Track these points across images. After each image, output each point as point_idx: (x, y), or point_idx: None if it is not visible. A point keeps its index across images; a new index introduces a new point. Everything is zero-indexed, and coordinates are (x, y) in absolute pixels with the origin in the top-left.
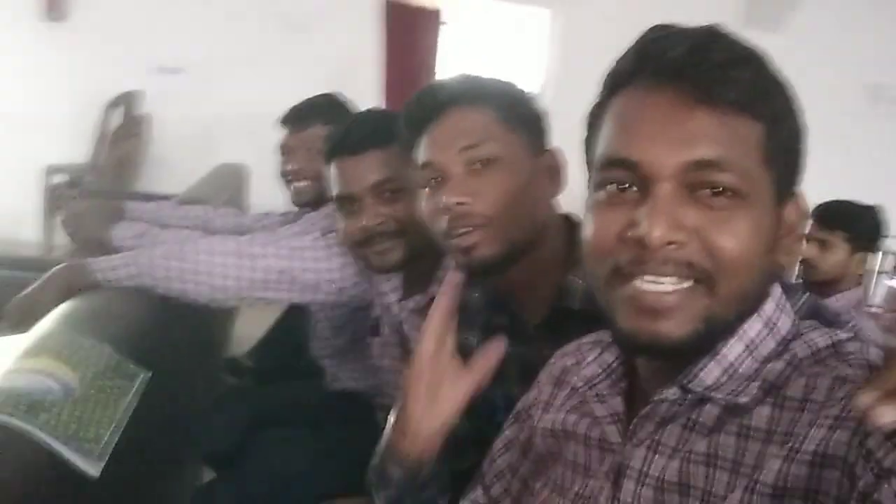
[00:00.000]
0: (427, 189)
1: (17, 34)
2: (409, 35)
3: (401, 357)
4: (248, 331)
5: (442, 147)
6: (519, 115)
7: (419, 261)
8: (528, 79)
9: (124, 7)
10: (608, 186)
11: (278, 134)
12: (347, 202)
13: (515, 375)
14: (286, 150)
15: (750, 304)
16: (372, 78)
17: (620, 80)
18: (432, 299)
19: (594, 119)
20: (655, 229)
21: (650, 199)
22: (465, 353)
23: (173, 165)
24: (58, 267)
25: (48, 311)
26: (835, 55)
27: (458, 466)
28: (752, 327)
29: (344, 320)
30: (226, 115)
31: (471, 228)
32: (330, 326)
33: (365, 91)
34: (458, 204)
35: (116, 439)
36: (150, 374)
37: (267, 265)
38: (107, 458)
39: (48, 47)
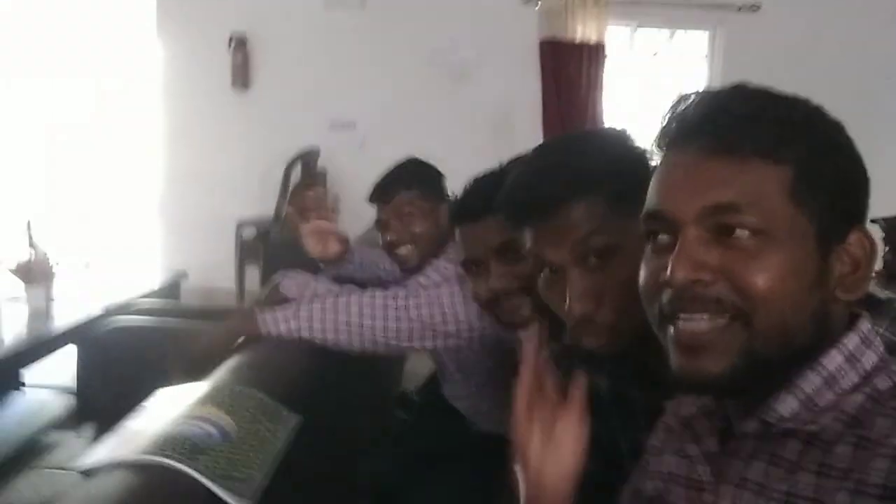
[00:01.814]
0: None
1: (209, 103)
2: (567, 71)
3: None
4: (419, 367)
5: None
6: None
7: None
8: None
9: (298, 72)
10: (651, 238)
11: (453, 178)
12: (473, 265)
13: (645, 424)
14: (381, 224)
15: (800, 340)
16: (534, 117)
17: (659, 146)
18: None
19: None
20: (678, 271)
21: (678, 244)
22: (595, 394)
23: (350, 216)
24: (231, 317)
25: (221, 357)
26: None
27: None
28: (832, 361)
29: (471, 362)
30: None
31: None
32: (458, 370)
33: (526, 132)
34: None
35: (268, 478)
36: (301, 418)
37: (409, 316)
38: (258, 497)
39: (235, 114)
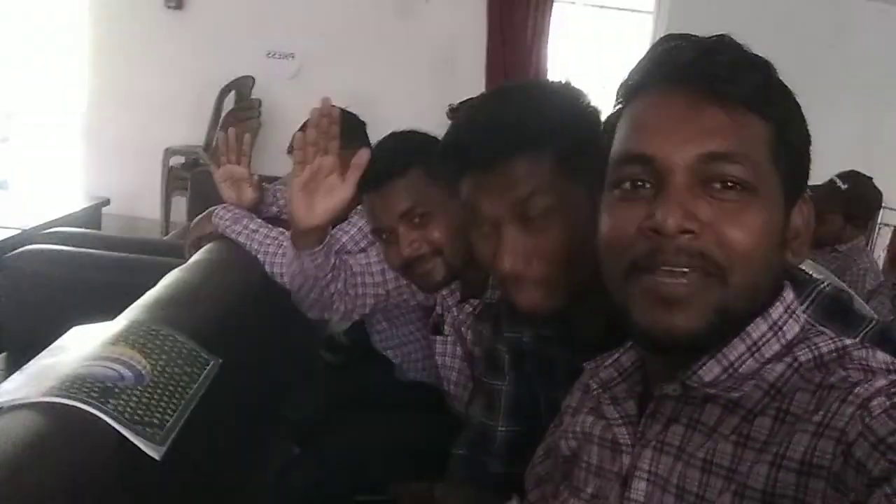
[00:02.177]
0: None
1: (139, 22)
2: (513, 16)
3: (461, 357)
4: None
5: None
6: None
7: (471, 268)
8: (635, 54)
9: None
10: (624, 184)
11: (389, 115)
12: (382, 233)
13: (565, 382)
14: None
15: (761, 300)
16: (477, 60)
17: (634, 86)
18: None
19: (610, 127)
20: (670, 217)
21: (665, 190)
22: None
23: (282, 148)
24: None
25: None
26: None
27: (513, 469)
28: (757, 329)
29: (397, 313)
30: (334, 97)
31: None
32: (384, 318)
33: (469, 74)
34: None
35: (181, 424)
36: (220, 361)
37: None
38: (169, 442)
39: (168, 35)
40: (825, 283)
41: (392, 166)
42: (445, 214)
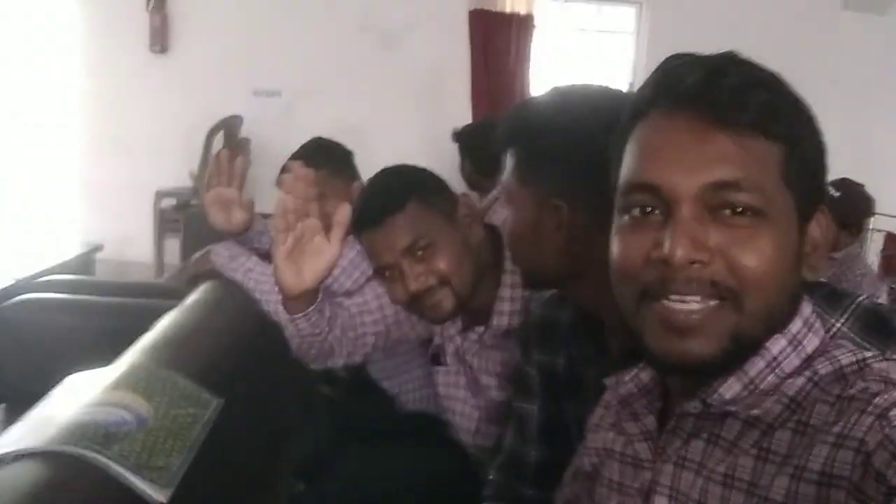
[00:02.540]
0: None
1: (126, 67)
2: (496, 42)
3: (465, 386)
4: None
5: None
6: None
7: (475, 296)
8: (618, 75)
9: (220, 36)
10: (633, 210)
11: (378, 147)
12: (386, 270)
13: (595, 404)
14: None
15: (777, 321)
16: (463, 88)
17: (641, 108)
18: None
19: (616, 147)
20: (678, 249)
21: (673, 220)
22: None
23: (274, 186)
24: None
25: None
26: None
27: (546, 494)
28: (776, 345)
29: (390, 343)
30: (322, 132)
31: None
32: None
33: (455, 102)
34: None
35: (187, 466)
36: (222, 401)
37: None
38: (174, 485)
39: (154, 78)
40: (863, 296)
41: (389, 202)
42: (447, 242)
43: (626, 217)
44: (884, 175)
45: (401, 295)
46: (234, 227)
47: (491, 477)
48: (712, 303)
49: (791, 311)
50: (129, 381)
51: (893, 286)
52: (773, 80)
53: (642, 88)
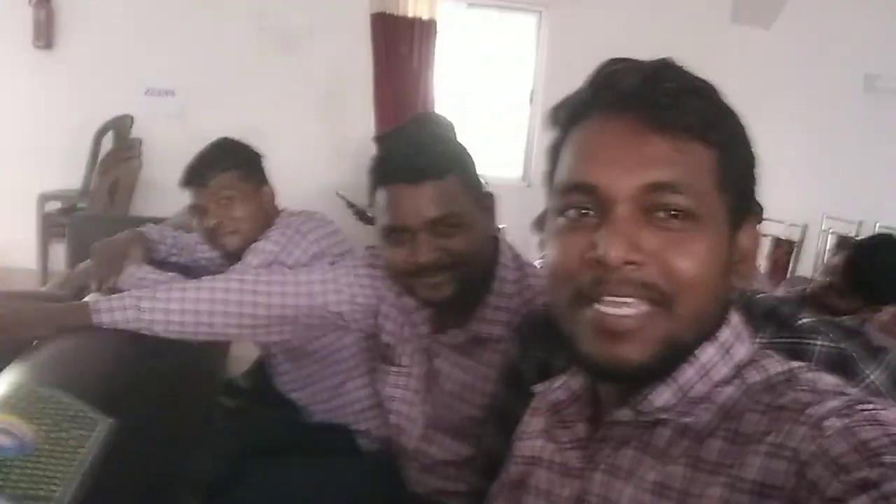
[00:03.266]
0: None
1: (6, 62)
2: (398, 47)
3: (421, 388)
4: (245, 352)
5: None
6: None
7: (462, 296)
8: (519, 82)
9: (109, 33)
10: (568, 212)
11: (278, 150)
12: (398, 232)
13: None
14: (198, 209)
15: (708, 327)
16: (365, 93)
17: (578, 111)
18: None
19: (553, 153)
20: (612, 249)
21: (608, 221)
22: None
23: (166, 188)
24: (57, 305)
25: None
26: (825, 47)
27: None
28: (705, 352)
29: (301, 353)
30: (218, 134)
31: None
32: (287, 359)
33: (357, 106)
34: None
35: (73, 492)
36: (113, 421)
37: (270, 304)
38: None
39: (37, 75)
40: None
41: (432, 165)
42: (471, 228)
43: (562, 219)
44: (770, 183)
45: (402, 261)
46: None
47: (471, 482)
48: (644, 308)
49: (720, 319)
50: (8, 403)
51: (789, 291)
52: (708, 87)
53: (579, 91)
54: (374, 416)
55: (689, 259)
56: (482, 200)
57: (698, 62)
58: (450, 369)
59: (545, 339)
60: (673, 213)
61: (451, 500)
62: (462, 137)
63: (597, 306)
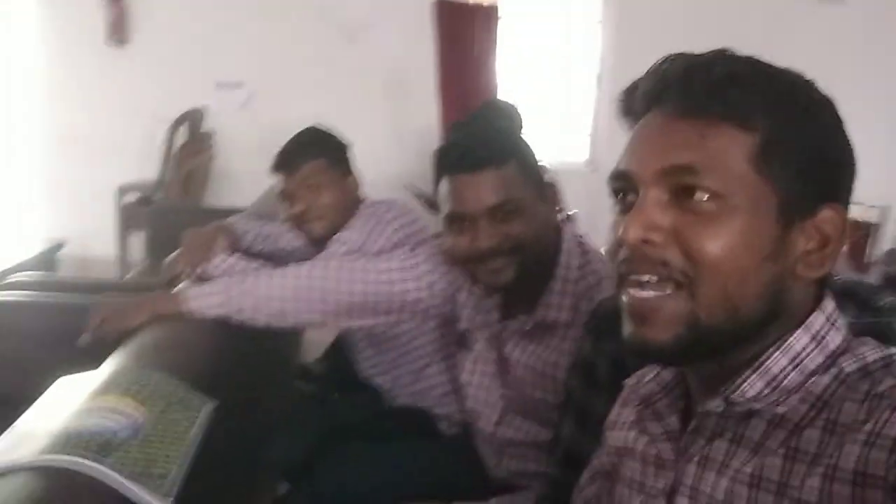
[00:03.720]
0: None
1: (82, 60)
2: (460, 34)
3: (495, 374)
4: (319, 337)
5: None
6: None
7: (524, 282)
8: (585, 65)
9: (180, 28)
10: (616, 197)
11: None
12: (459, 220)
13: None
14: (287, 195)
15: (748, 313)
16: (427, 81)
17: (633, 112)
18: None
19: None
20: (630, 228)
21: (636, 203)
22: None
23: (237, 179)
24: (151, 295)
25: (130, 330)
26: None
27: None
28: (799, 341)
29: (383, 338)
30: (287, 126)
31: None
32: (370, 345)
33: (420, 95)
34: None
35: (185, 471)
36: (215, 404)
37: (352, 291)
38: (175, 492)
39: (112, 72)
40: None
41: (492, 153)
42: (531, 215)
43: (616, 205)
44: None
45: (464, 248)
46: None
47: (549, 471)
48: (667, 291)
49: (775, 306)
50: (120, 385)
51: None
52: (765, 72)
53: (633, 87)
54: (453, 400)
55: (711, 240)
56: (543, 189)
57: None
58: (519, 355)
59: (616, 332)
60: (702, 196)
61: (530, 481)
62: (527, 122)
63: (628, 289)
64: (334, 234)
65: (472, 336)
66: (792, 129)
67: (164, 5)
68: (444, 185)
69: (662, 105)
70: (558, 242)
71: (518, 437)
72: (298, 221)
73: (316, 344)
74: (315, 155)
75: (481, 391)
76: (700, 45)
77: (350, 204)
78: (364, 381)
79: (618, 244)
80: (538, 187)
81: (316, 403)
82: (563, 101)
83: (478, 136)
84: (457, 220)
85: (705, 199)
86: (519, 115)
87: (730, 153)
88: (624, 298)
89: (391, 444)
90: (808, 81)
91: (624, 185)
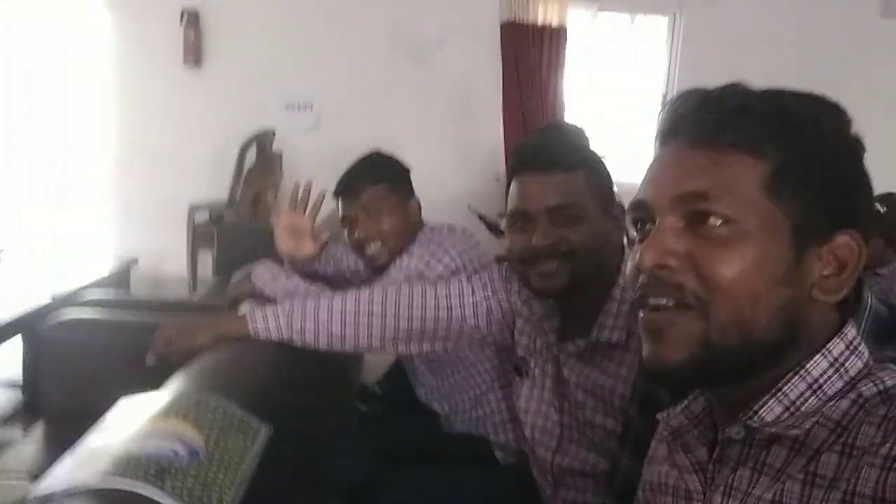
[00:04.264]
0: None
1: (160, 81)
2: (527, 54)
3: (552, 399)
4: (379, 358)
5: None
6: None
7: (579, 299)
8: (651, 86)
9: (252, 51)
10: (636, 226)
11: (409, 159)
12: (520, 219)
13: None
14: (348, 220)
15: (762, 335)
16: (494, 101)
17: (656, 144)
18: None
19: None
20: (647, 254)
21: (652, 231)
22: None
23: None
24: (216, 316)
25: (195, 351)
26: None
27: None
28: (817, 366)
29: (443, 364)
30: (353, 147)
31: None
32: (430, 370)
33: (486, 115)
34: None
35: (240, 496)
36: (272, 429)
37: (410, 317)
38: None
39: (187, 92)
40: None
41: (562, 158)
42: (592, 225)
43: (632, 234)
44: None
45: (520, 246)
46: (300, 256)
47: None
48: (680, 309)
49: (790, 330)
50: (179, 410)
51: None
52: (771, 102)
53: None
54: (510, 429)
55: (724, 263)
56: (610, 206)
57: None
58: (576, 378)
59: None
60: (715, 222)
61: None
62: (593, 143)
63: (645, 310)
64: (395, 258)
65: (529, 363)
66: (804, 156)
67: (237, 28)
68: (513, 187)
69: (675, 138)
70: (619, 263)
71: (575, 466)
72: (359, 246)
73: (377, 366)
74: (376, 180)
75: (539, 418)
76: (763, 65)
77: (411, 228)
78: (423, 405)
79: (636, 270)
80: (605, 202)
81: (375, 425)
82: (628, 121)
83: (551, 142)
84: (518, 218)
85: (718, 224)
86: (586, 136)
87: (742, 180)
88: (641, 315)
89: (449, 470)
90: (825, 107)
91: (642, 215)
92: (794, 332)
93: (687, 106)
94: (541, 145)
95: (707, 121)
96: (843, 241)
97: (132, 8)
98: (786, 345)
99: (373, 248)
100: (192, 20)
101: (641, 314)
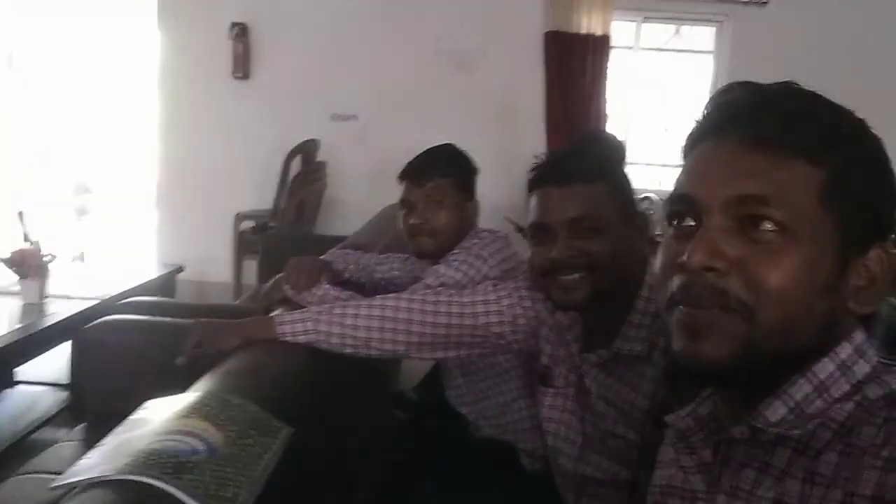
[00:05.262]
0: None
1: (209, 92)
2: (571, 64)
3: (575, 408)
4: (417, 365)
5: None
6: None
7: (602, 310)
8: (697, 96)
9: (299, 63)
10: (674, 221)
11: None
12: (541, 231)
13: None
14: (408, 204)
15: (802, 342)
16: (537, 111)
17: (697, 137)
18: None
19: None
20: (695, 255)
21: (700, 229)
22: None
23: (348, 208)
24: (246, 319)
25: (224, 352)
26: None
27: None
28: (823, 369)
29: (474, 369)
30: (395, 157)
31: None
32: (461, 374)
33: (529, 124)
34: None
35: (256, 494)
36: (293, 430)
37: (436, 324)
38: None
39: (236, 103)
40: None
41: (582, 169)
42: (613, 236)
43: (670, 227)
44: None
45: (541, 259)
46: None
47: None
48: (725, 311)
49: (825, 337)
50: (201, 409)
51: None
52: (833, 109)
53: (698, 118)
54: (536, 436)
55: (775, 271)
56: (632, 217)
57: (886, 65)
58: (597, 389)
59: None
60: (768, 226)
61: None
62: (634, 154)
63: (682, 307)
64: (441, 253)
65: (553, 372)
66: (855, 166)
67: (284, 41)
68: (533, 199)
69: (728, 134)
70: (642, 274)
71: (597, 475)
72: (411, 232)
73: (414, 371)
74: (445, 173)
75: (561, 427)
76: (809, 73)
77: (463, 227)
78: (452, 409)
79: (673, 267)
80: (627, 214)
81: (409, 430)
82: (673, 131)
83: (569, 154)
84: (539, 231)
85: (771, 229)
86: (622, 146)
87: (799, 186)
88: (676, 315)
89: (475, 476)
90: (862, 120)
91: (685, 210)
92: (829, 340)
93: (740, 103)
94: (560, 158)
95: (765, 121)
96: (876, 254)
97: (183, 21)
98: (817, 351)
99: (424, 237)
100: (240, 33)
101: (680, 309)
